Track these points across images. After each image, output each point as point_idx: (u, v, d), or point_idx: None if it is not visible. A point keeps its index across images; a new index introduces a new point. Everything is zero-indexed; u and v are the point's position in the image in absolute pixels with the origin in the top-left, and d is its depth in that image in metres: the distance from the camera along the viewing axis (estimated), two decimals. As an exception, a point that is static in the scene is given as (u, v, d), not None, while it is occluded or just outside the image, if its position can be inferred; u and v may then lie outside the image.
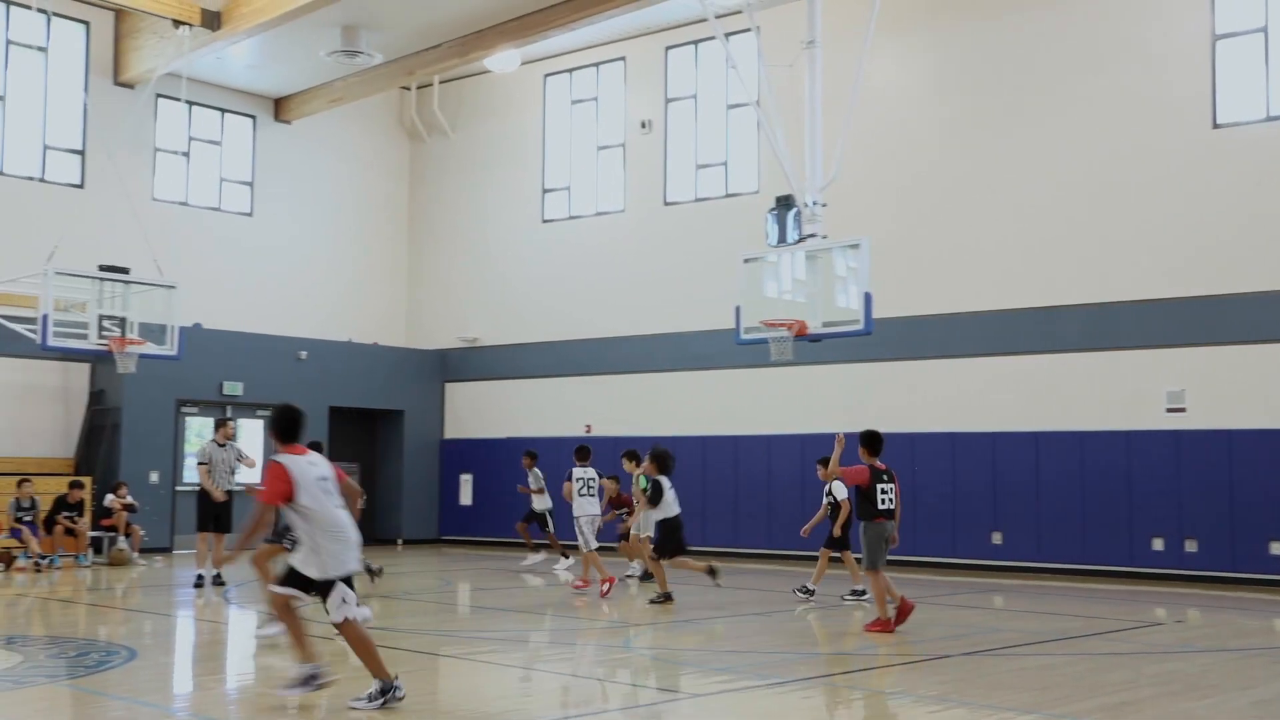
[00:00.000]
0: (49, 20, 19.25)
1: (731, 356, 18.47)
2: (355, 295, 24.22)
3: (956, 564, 17.62)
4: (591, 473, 14.63)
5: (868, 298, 13.36)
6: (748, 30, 16.06)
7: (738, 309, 14.80)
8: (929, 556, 17.73)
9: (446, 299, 24.54)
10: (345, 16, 19.51)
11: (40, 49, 20.24)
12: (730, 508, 19.64)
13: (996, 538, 17.47)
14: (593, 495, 14.52)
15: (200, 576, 14.31)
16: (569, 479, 14.52)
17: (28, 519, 17.19)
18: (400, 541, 22.94)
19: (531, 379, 22.80)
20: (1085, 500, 16.80)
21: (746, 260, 15.10)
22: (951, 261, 18.28)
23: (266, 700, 7.71)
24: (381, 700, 7.00)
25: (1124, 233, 16.89)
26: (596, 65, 22.68)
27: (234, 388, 21.18)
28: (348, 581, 7.15)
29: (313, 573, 7.04)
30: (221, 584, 13.79)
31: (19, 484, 17.52)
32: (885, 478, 10.95)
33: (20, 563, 16.71)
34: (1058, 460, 17.05)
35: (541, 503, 17.11)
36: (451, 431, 24.02)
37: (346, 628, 7.08)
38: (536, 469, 17.14)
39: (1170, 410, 16.29)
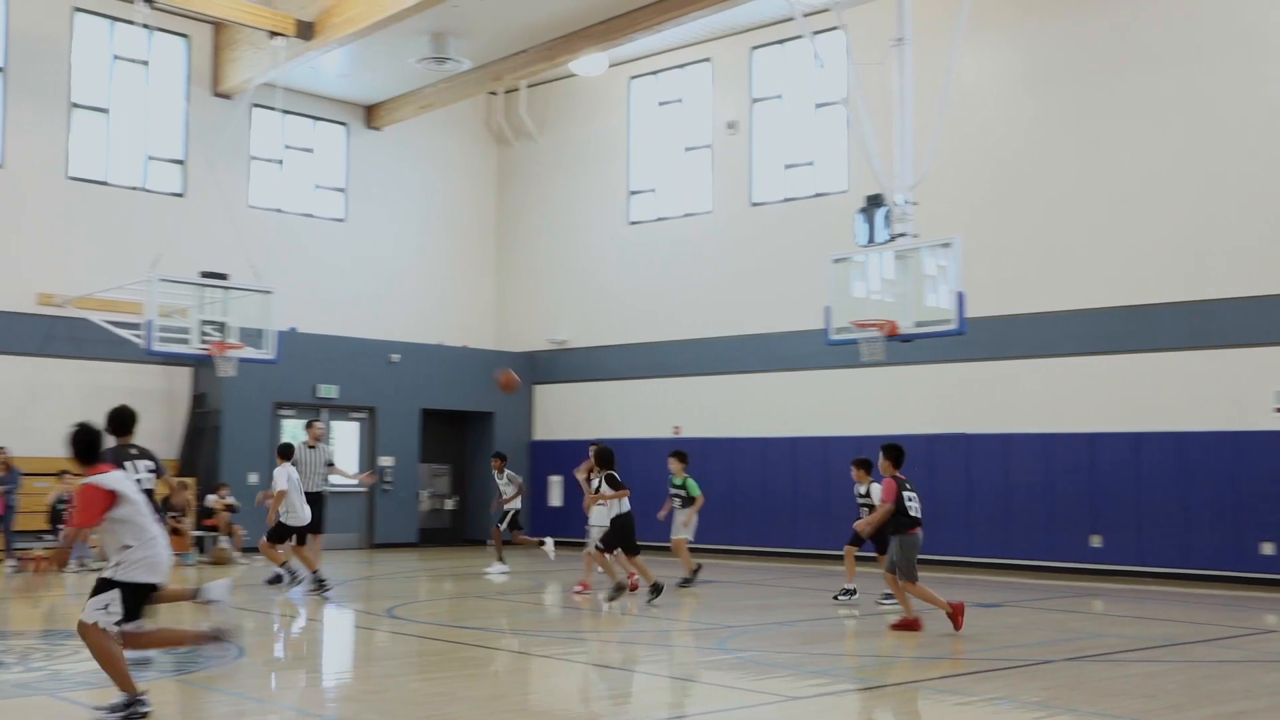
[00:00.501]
0: (151, 35, 19.80)
1: (821, 357, 18.39)
2: (446, 298, 24.54)
3: (1053, 567, 17.30)
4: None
5: (961, 297, 13.21)
6: (835, 29, 15.99)
7: (827, 309, 14.72)
8: (1024, 559, 17.45)
9: (535, 301, 24.74)
10: (434, 24, 19.78)
11: (143, 63, 20.82)
12: (821, 510, 19.50)
13: (1095, 541, 17.10)
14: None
15: (278, 575, 14.60)
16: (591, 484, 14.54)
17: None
18: (490, 543, 23.14)
19: (620, 380, 22.89)
20: (1188, 503, 16.37)
21: (836, 260, 15.01)
22: (1045, 259, 17.95)
23: (364, 694, 7.86)
24: (125, 713, 6.65)
25: (1224, 228, 16.43)
26: (682, 66, 22.69)
27: (328, 390, 21.58)
28: (147, 591, 6.86)
29: (140, 577, 6.76)
30: (322, 584, 14.07)
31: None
32: (908, 486, 11.03)
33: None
34: (1159, 462, 16.64)
35: (515, 503, 17.25)
36: (541, 433, 24.21)
37: (90, 631, 6.68)
38: (508, 471, 17.36)
39: (1278, 410, 15.81)
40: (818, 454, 19.80)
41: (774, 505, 20.40)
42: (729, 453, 20.86)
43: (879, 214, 14.51)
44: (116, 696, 6.74)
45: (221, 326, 18.48)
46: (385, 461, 22.23)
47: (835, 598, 13.38)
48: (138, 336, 17.55)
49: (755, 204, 21.51)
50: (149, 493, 8.66)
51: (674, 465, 14.98)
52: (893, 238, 14.13)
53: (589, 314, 23.59)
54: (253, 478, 20.41)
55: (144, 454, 8.97)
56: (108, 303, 19.11)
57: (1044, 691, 8.14)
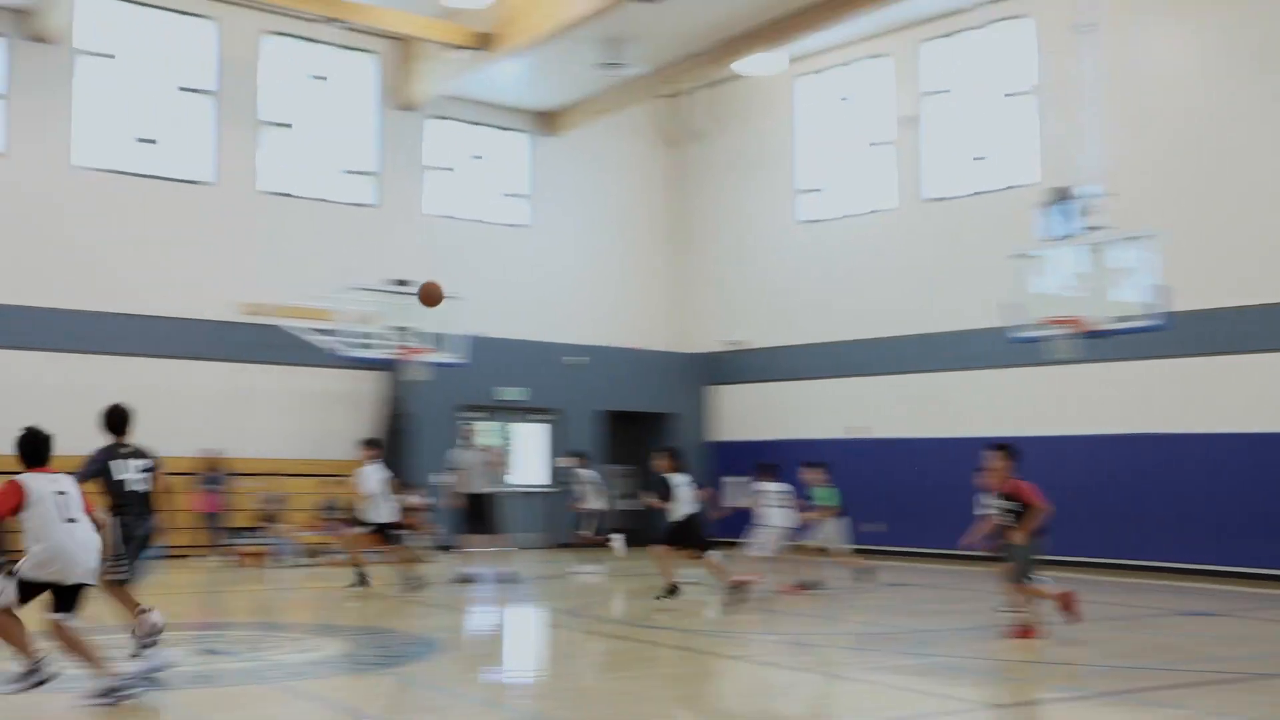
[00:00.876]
0: (338, 53, 20.69)
1: (1005, 355, 17.91)
2: (623, 301, 24.85)
3: (1273, 575, 16.31)
4: (784, 486, 14.26)
5: (1161, 291, 12.71)
6: (1012, 18, 15.60)
7: (1009, 306, 14.37)
8: (1234, 566, 16.55)
9: (709, 303, 24.83)
10: (609, 30, 20.07)
11: (330, 79, 21.75)
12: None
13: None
14: (785, 508, 14.08)
15: (468, 574, 15.05)
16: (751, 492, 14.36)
17: (335, 517, 18.55)
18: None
19: (797, 381, 22.78)
20: None
21: (1019, 255, 14.65)
22: (1246, 250, 17.07)
23: (555, 691, 8.05)
24: (28, 681, 7.05)
25: None
26: (853, 63, 22.45)
27: (512, 393, 22.13)
28: (69, 593, 7.16)
29: (33, 574, 7.11)
30: (469, 581, 14.65)
31: (327, 484, 18.90)
32: None
33: (330, 557, 18.00)
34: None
35: (596, 504, 17.12)
36: (718, 434, 24.29)
37: None
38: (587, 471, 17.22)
39: None
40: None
41: (953, 506, 19.93)
42: (907, 453, 20.54)
43: (1066, 207, 14.09)
44: (19, 666, 7.14)
45: (410, 332, 19.17)
46: (569, 463, 22.63)
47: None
48: (331, 343, 18.35)
49: (928, 199, 21.12)
50: (141, 494, 8.68)
51: (812, 476, 14.41)
52: (1082, 231, 13.70)
53: (763, 314, 23.55)
54: (439, 478, 21.07)
55: (138, 453, 8.87)
56: (305, 311, 19.99)
57: (1268, 708, 7.76)
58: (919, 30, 21.11)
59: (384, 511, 14.48)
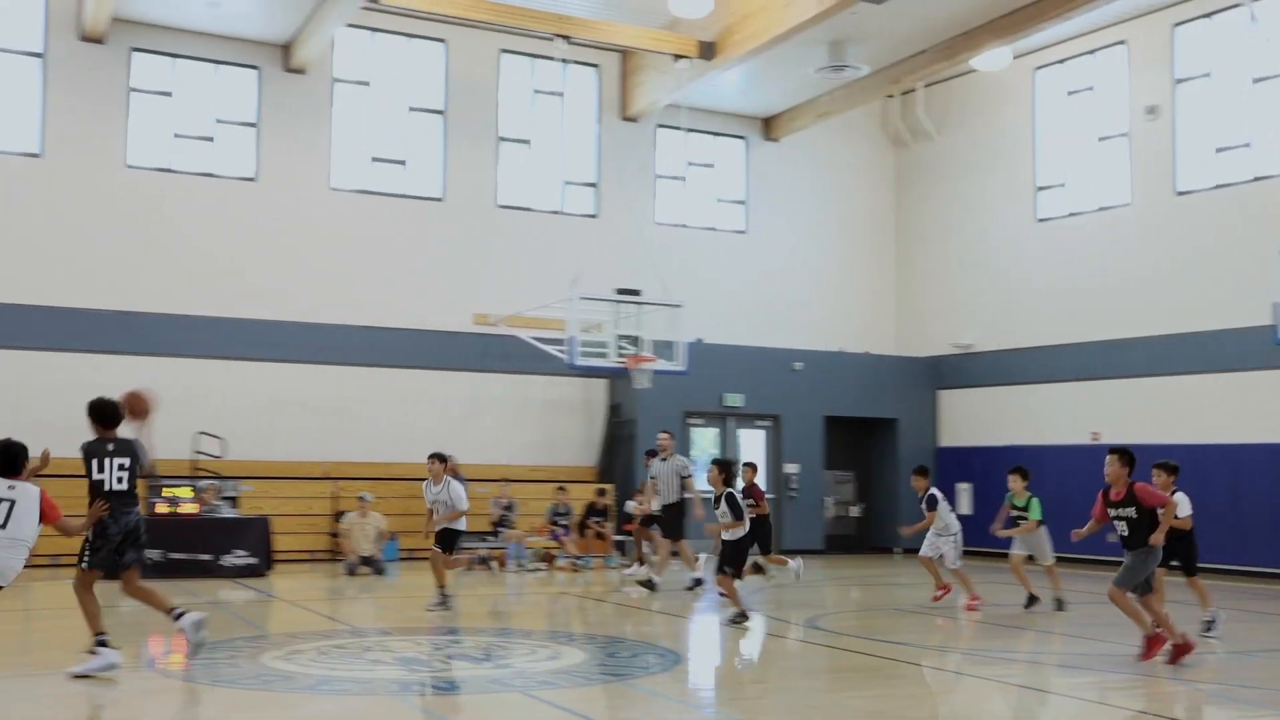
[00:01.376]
0: (566, 68, 21.15)
1: (1267, 357, 16.74)
2: (845, 304, 24.49)
3: None
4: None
5: None
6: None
7: (1276, 305, 13.40)
8: None
9: (937, 305, 24.18)
10: (832, 33, 19.80)
11: (559, 94, 22.24)
12: (1268, 524, 17.75)
13: None
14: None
15: (697, 580, 15.05)
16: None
17: (564, 523, 18.93)
18: (897, 550, 22.84)
19: (1031, 385, 21.90)
20: None
21: (1287, 251, 13.63)
22: None
23: (804, 707, 7.90)
24: None
25: None
26: (1093, 52, 21.43)
27: (734, 399, 22.10)
28: None
29: None
30: (651, 584, 14.71)
31: (557, 490, 19.32)
32: None
33: (559, 563, 18.37)
34: None
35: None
36: (947, 440, 23.61)
37: None
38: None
39: None
40: (1263, 463, 18.03)
41: (1213, 517, 18.76)
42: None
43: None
44: None
45: (635, 340, 19.40)
46: (790, 469, 22.48)
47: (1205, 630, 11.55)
48: (560, 351, 18.74)
49: (1180, 193, 19.93)
50: (121, 493, 8.67)
51: (1015, 483, 13.58)
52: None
53: (996, 316, 22.75)
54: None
55: (122, 449, 8.74)
56: (533, 320, 20.51)
57: None
58: (1171, 13, 19.97)
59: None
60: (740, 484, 14.15)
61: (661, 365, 19.06)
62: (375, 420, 20.13)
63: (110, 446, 8.75)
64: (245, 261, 19.79)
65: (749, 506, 13.02)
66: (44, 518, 8.00)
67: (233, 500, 17.56)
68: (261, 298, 19.75)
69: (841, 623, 13.02)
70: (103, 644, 8.47)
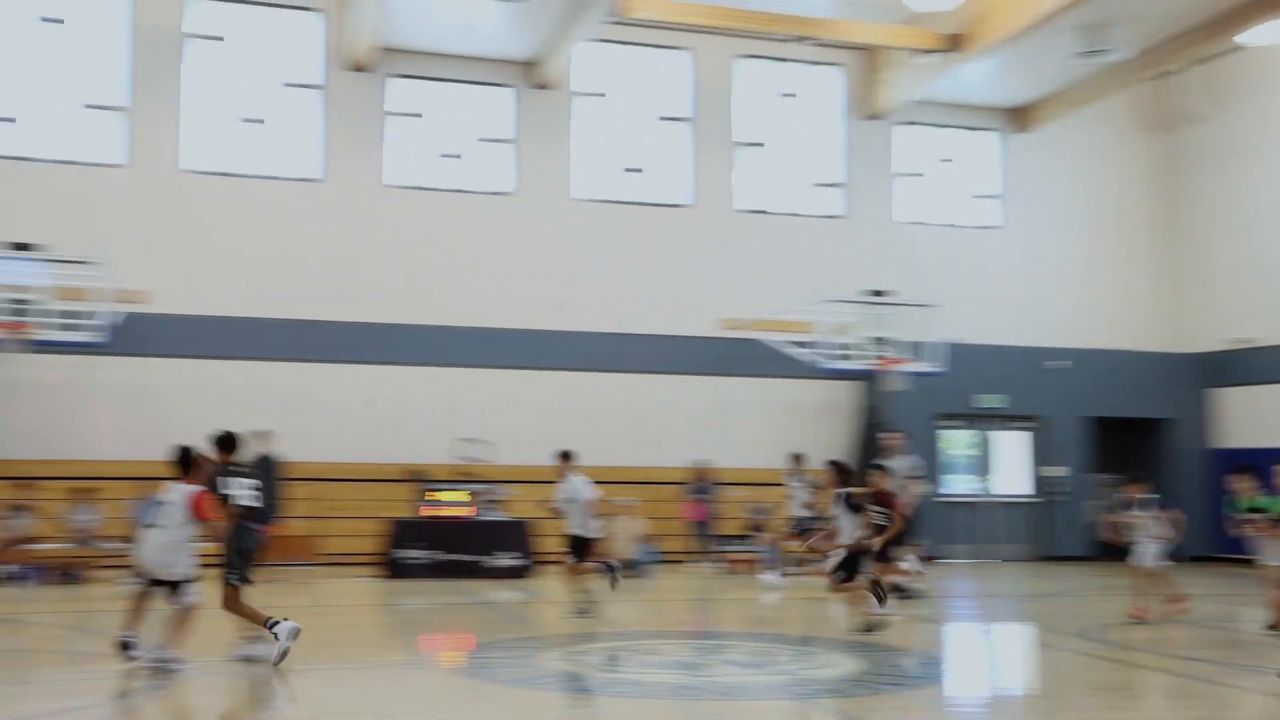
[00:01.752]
0: (809, 69, 21.02)
1: None
2: (1107, 300, 23.31)
3: None
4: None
5: None
6: None
7: None
8: None
9: (1209, 298, 22.73)
10: (1089, 16, 18.90)
11: (799, 95, 22.12)
12: None
13: None
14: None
15: (904, 587, 14.62)
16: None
17: (814, 527, 18.74)
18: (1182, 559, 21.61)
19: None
20: None
21: None
22: None
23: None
24: None
25: None
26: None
27: (991, 400, 21.41)
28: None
29: None
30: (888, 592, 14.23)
31: (812, 490, 19.14)
32: None
33: (811, 567, 18.23)
34: None
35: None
36: (1223, 440, 22.17)
37: None
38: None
39: None
40: None
41: None
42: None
43: None
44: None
45: (885, 341, 19.10)
46: (1055, 472, 21.62)
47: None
48: (809, 354, 18.61)
49: None
50: (249, 509, 9.36)
51: (1241, 485, 12.49)
52: None
53: (1276, 308, 21.21)
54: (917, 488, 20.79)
55: (247, 473, 9.57)
56: (780, 324, 20.44)
57: None
58: None
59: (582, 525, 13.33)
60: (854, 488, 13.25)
61: (917, 366, 18.71)
62: (620, 424, 20.39)
63: (235, 469, 9.48)
64: (495, 273, 20.40)
65: (879, 513, 12.33)
66: (197, 514, 8.87)
67: (497, 504, 18.20)
68: (507, 307, 20.26)
69: (1117, 634, 12.40)
70: (274, 625, 9.09)
